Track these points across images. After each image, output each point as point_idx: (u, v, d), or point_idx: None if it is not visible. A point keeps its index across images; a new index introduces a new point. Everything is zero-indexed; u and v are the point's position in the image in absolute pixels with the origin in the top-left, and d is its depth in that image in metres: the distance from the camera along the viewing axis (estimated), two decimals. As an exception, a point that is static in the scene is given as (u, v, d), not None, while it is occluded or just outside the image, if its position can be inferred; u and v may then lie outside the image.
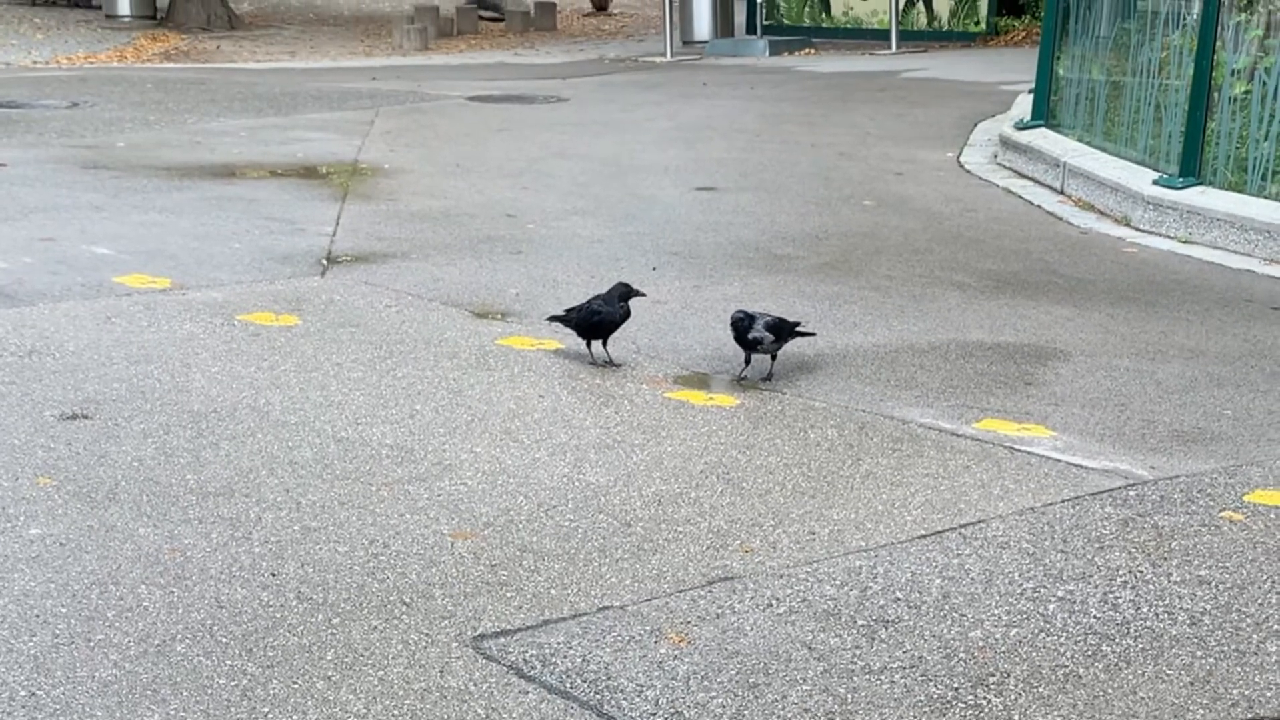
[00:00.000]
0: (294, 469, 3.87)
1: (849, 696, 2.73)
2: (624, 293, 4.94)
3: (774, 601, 3.15)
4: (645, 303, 5.38)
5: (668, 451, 4.15)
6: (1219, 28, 6.82)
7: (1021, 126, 9.06)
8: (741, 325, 4.70)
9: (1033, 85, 9.32)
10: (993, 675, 2.83)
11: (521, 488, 3.84)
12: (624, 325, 5.00)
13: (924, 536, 3.53)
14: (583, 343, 5.01)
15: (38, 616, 2.95)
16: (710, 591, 3.20)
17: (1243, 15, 6.87)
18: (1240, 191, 6.81)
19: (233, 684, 2.75)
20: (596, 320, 4.90)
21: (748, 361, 4.83)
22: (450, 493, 3.78)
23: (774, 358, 4.88)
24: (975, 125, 10.19)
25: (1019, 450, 4.15)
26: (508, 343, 5.13)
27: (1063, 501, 3.74)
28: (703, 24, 18.15)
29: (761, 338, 4.71)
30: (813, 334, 5.10)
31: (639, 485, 3.88)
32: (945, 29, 18.73)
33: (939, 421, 4.40)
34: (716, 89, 12.29)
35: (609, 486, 3.86)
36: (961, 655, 2.90)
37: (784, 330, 4.81)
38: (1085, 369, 4.90)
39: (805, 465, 4.06)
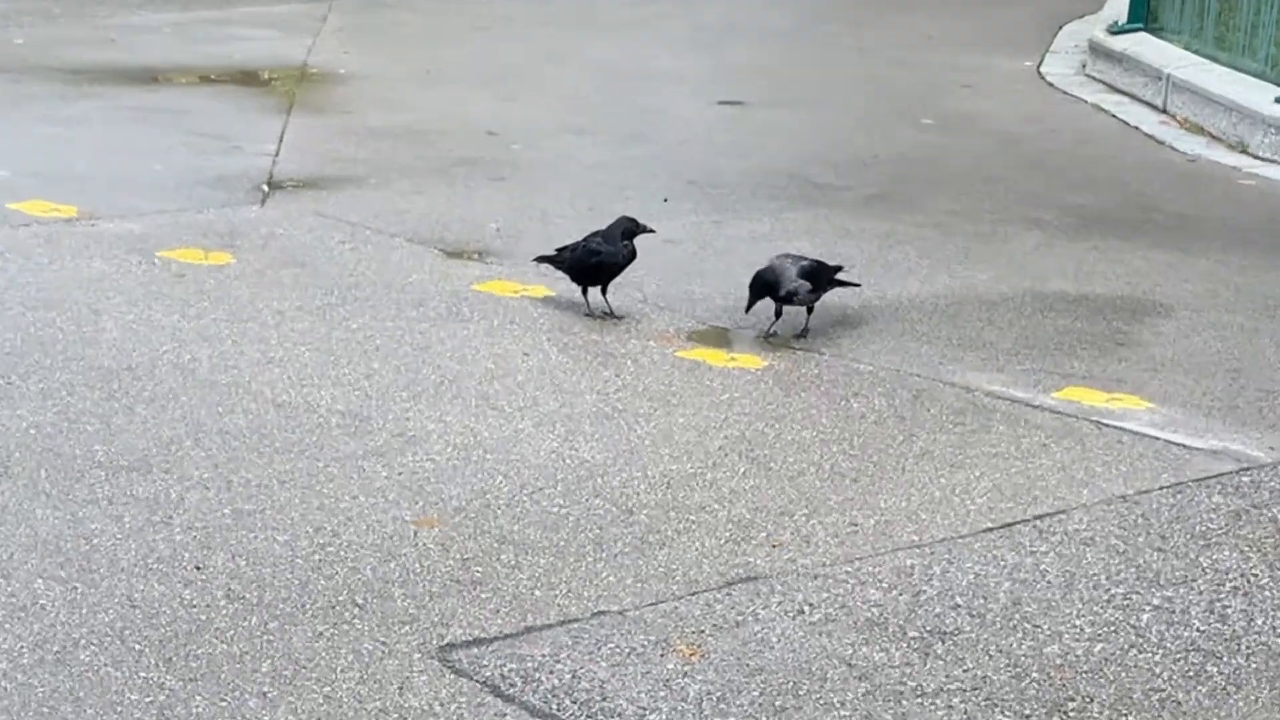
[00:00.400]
0: (225, 439, 3.88)
1: (897, 725, 2.83)
2: (628, 229, 4.96)
3: (806, 607, 3.15)
4: (654, 241, 5.35)
5: (679, 423, 4.19)
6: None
7: (1116, 30, 8.98)
8: (770, 274, 4.77)
9: (1131, -22, 9.54)
10: (1072, 700, 2.83)
11: (500, 465, 3.88)
12: (628, 268, 5.02)
13: (990, 530, 3.56)
14: (577, 289, 5.04)
15: (-91, 615, 3.01)
16: (729, 594, 3.21)
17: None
18: (1381, 111, 7.14)
19: (147, 700, 2.73)
20: (595, 262, 4.92)
21: (778, 314, 4.87)
22: (414, 470, 3.81)
23: (810, 310, 4.90)
24: (1060, 28, 10.08)
25: (1108, 425, 4.18)
26: (486, 288, 5.16)
27: (1161, 489, 3.75)
28: (729, -99, 18.23)
29: (795, 288, 4.77)
30: (857, 285, 5.13)
31: (644, 464, 3.92)
32: (1026, -92, 18.56)
33: (1011, 389, 4.45)
34: (744, -20, 13.52)
35: (607, 465, 3.90)
36: (1034, 675, 2.90)
37: (822, 277, 4.85)
38: (1190, 327, 4.93)
39: (847, 442, 4.11)
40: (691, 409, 4.30)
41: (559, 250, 5.10)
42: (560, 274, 5.11)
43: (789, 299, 4.85)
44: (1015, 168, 6.97)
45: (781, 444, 4.10)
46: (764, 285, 4.79)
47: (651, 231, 5.11)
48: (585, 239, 5.05)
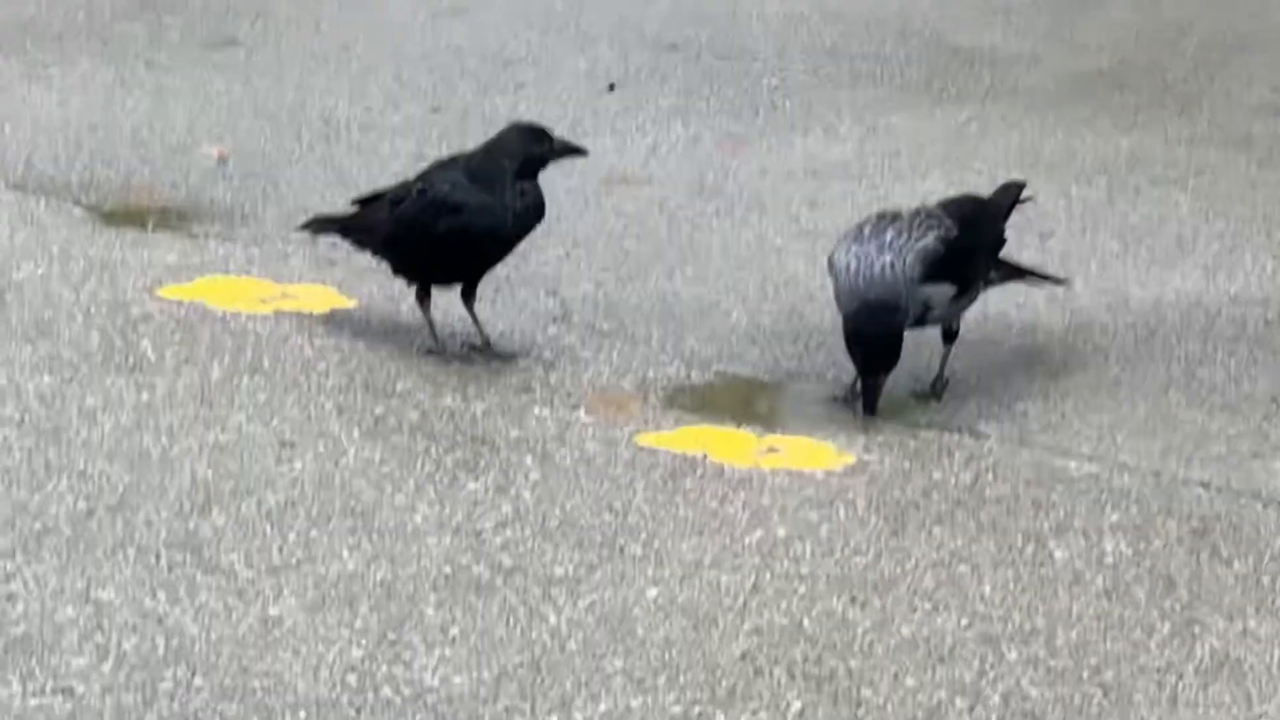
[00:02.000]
0: None
1: None
2: (528, 154, 4.90)
3: None
4: (587, 177, 5.49)
5: (649, 600, 4.13)
6: None
7: None
8: (860, 287, 4.69)
9: None
10: None
11: (239, 685, 3.83)
12: (525, 241, 4.96)
13: None
14: (409, 292, 5.01)
15: None
16: None
17: None
18: None
19: None
20: (445, 230, 4.87)
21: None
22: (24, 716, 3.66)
23: (951, 334, 4.84)
24: None
25: None
26: (192, 295, 5.19)
27: None
28: None
29: (926, 303, 4.71)
30: (1061, 281, 5.10)
31: (579, 683, 3.86)
32: None
33: None
34: None
35: (485, 696, 3.83)
36: None
37: (974, 263, 4.76)
38: None
39: (1043, 639, 4.02)
40: (680, 568, 4.21)
41: (361, 202, 5.05)
42: (369, 256, 5.10)
43: (917, 323, 4.76)
44: None
45: (890, 649, 4.01)
46: (866, 327, 4.71)
47: (580, 154, 5.08)
48: (426, 175, 4.98)
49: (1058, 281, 5.13)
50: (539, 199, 4.93)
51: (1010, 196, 5.00)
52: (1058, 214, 5.68)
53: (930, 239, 4.78)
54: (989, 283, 4.94)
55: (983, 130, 6.26)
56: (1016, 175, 5.63)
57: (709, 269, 5.50)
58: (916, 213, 4.87)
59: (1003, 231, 4.95)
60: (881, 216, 4.83)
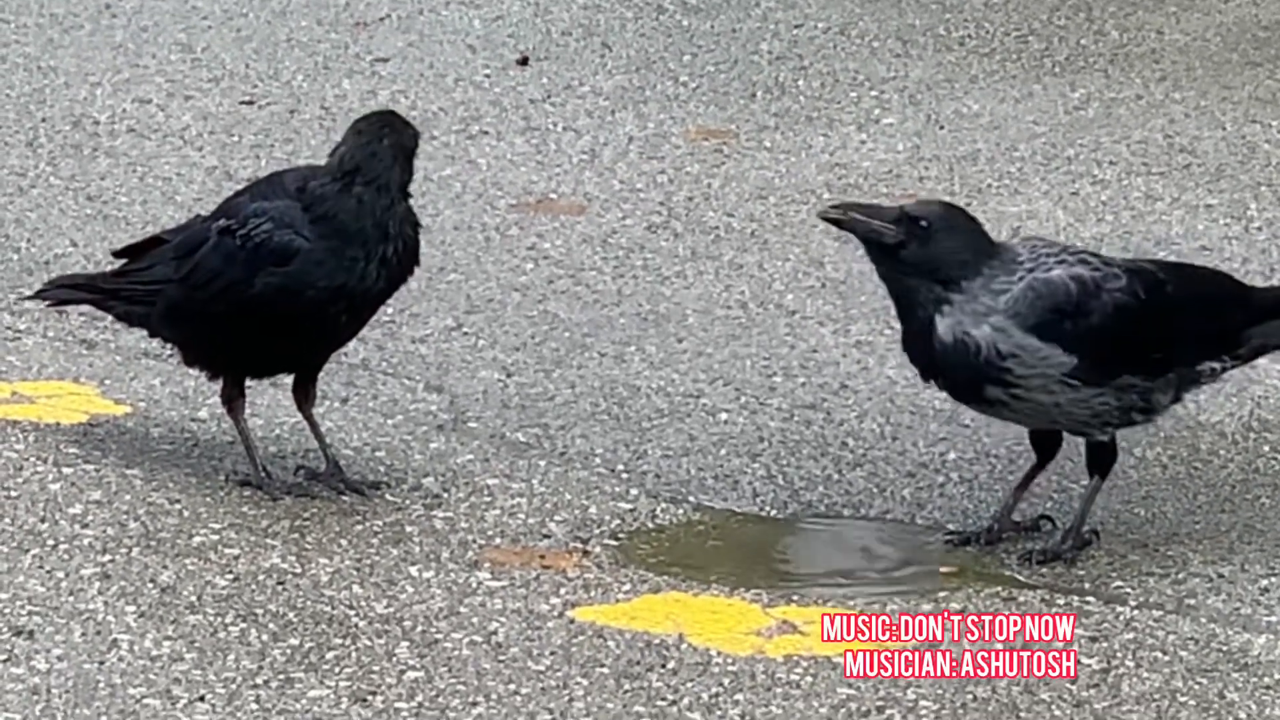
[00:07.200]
0: None
1: None
2: (396, 148, 4.33)
3: None
4: (489, 204, 5.25)
5: None
6: None
7: None
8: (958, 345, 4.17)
9: None
10: None
11: None
12: (388, 303, 4.58)
13: None
14: (212, 385, 4.52)
15: None
16: None
17: None
18: None
19: None
20: (270, 291, 4.38)
21: (1047, 452, 4.32)
22: None
23: (1104, 453, 4.34)
24: None
25: None
26: None
27: None
28: None
29: (1014, 352, 4.16)
30: None
31: None
32: None
33: None
34: None
35: None
36: None
37: (1139, 351, 4.18)
38: None
39: None
40: None
41: (126, 254, 4.51)
42: (144, 336, 4.58)
43: (977, 375, 4.08)
44: None
45: None
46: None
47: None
48: (229, 205, 4.40)
49: None
50: (411, 234, 4.22)
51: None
52: (1224, 247, 5.10)
53: (1060, 271, 3.99)
54: (1187, 383, 4.10)
55: (1108, 115, 5.66)
56: (1158, 181, 5.39)
57: (681, 344, 4.82)
58: (1052, 243, 4.16)
59: (1241, 335, 4.12)
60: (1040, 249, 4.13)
